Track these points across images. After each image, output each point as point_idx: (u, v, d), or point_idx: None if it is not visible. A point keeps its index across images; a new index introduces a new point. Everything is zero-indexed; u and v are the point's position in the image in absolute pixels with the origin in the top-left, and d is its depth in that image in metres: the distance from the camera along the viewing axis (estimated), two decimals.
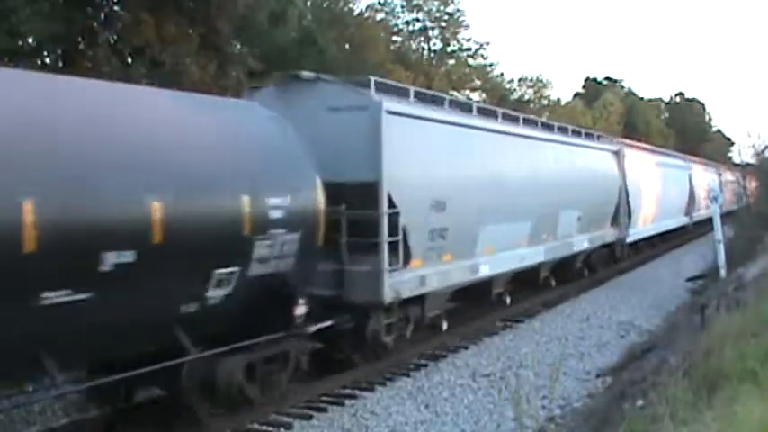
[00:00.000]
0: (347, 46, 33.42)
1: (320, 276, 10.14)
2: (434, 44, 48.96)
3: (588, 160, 20.43)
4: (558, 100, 64.35)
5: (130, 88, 9.42)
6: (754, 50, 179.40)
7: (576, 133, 20.97)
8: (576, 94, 75.44)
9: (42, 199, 6.28)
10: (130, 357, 7.73)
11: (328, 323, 10.15)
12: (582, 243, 19.43)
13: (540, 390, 10.30)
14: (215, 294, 8.21)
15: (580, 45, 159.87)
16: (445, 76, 47.42)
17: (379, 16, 43.91)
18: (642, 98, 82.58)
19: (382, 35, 39.41)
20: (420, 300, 11.98)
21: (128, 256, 6.96)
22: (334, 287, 10.61)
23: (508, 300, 16.03)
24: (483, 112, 15.22)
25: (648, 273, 24.56)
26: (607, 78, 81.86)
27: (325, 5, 34.20)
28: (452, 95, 13.93)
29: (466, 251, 13.11)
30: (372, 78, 11.40)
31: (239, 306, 8.59)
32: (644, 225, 25.89)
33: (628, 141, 27.76)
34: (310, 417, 9.42)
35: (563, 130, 19.81)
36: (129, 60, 19.68)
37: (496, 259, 14.26)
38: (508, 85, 57.41)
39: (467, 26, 49.49)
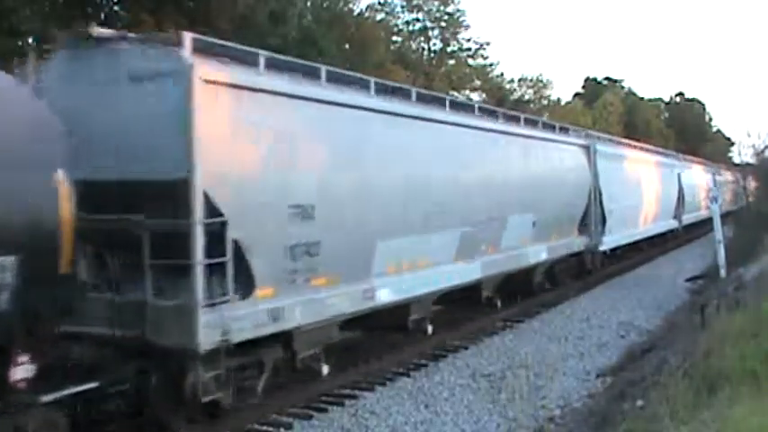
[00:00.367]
0: (347, 46, 33.42)
1: (116, 310, 7.72)
2: (434, 44, 49.00)
3: (550, 156, 17.61)
4: (558, 100, 64.44)
5: None
6: (754, 50, 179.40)
7: (533, 123, 17.99)
8: (576, 94, 75.48)
9: None
10: None
11: (88, 386, 7.15)
12: (539, 253, 16.55)
13: (540, 390, 10.30)
14: None
15: (580, 45, 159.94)
16: (445, 77, 47.43)
17: (379, 16, 43.96)
18: (642, 98, 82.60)
19: (382, 35, 39.42)
20: (285, 339, 9.11)
21: None
22: (132, 326, 7.71)
23: (429, 329, 12.84)
24: (386, 92, 11.69)
25: (648, 273, 24.55)
26: (607, 78, 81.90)
27: (325, 5, 34.17)
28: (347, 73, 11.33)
29: (354, 272, 10.11)
30: (188, 35, 8.17)
31: None
32: (622, 230, 22.78)
33: (602, 135, 25.13)
34: (310, 417, 9.41)
35: (514, 120, 16.67)
36: None
37: (406, 280, 11.32)
38: (508, 86, 57.46)
39: (467, 26, 49.52)
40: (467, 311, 14.90)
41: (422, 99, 12.69)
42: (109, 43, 8.20)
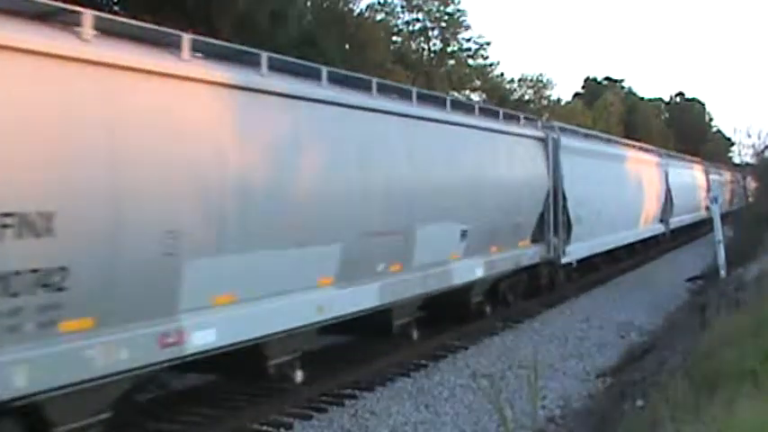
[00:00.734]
0: (347, 46, 33.40)
1: None
2: (434, 44, 48.94)
3: (489, 150, 14.29)
4: (559, 100, 64.40)
5: None
6: (754, 50, 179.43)
7: (465, 109, 14.32)
8: (576, 94, 75.47)
9: None
10: None
11: None
12: (472, 270, 13.38)
13: (540, 390, 10.29)
14: None
15: (580, 45, 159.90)
16: (445, 77, 47.41)
17: (379, 16, 43.87)
18: (642, 98, 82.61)
19: (382, 35, 39.39)
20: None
21: None
22: None
23: (299, 375, 9.51)
24: (201, 50, 8.11)
25: (648, 273, 24.55)
26: (607, 78, 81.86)
27: (325, 5, 34.16)
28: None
29: (142, 307, 6.98)
30: None
31: None
32: (594, 238, 19.85)
33: (567, 126, 20.86)
34: (310, 417, 9.42)
35: (434, 102, 13.08)
36: None
37: (249, 315, 8.24)
38: (508, 86, 57.44)
39: (467, 26, 49.49)
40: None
41: (276, 68, 8.97)
42: None
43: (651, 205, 27.43)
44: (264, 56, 8.62)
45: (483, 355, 12.88)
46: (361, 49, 33.53)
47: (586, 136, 22.54)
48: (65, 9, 6.55)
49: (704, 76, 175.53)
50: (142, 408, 9.17)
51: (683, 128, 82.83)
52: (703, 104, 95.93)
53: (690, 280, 21.02)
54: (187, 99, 7.52)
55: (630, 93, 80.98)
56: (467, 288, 13.46)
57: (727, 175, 47.67)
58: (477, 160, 13.73)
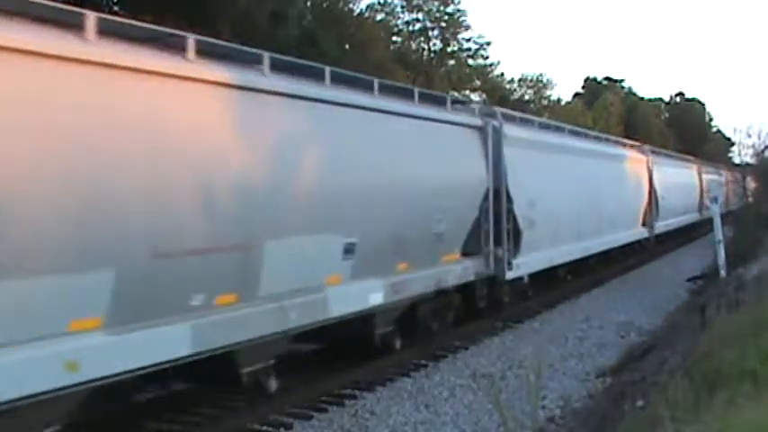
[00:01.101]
0: (347, 46, 33.40)
1: None
2: (434, 44, 48.98)
3: (395, 138, 11.11)
4: (559, 100, 64.44)
5: None
6: (754, 50, 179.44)
7: (364, 86, 10.85)
8: (576, 94, 75.51)
9: None
10: None
11: None
12: (363, 297, 10.34)
13: (540, 390, 10.29)
14: None
15: (580, 45, 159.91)
16: (445, 77, 47.43)
17: (379, 16, 43.92)
18: (642, 98, 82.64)
19: (382, 35, 39.41)
20: None
21: None
22: None
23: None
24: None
25: (648, 273, 24.54)
26: (607, 78, 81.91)
27: (325, 5, 34.17)
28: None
29: None
30: None
31: None
32: (552, 246, 16.90)
33: (514, 113, 17.88)
34: (310, 417, 9.42)
35: (313, 75, 9.80)
36: None
37: None
38: (508, 86, 57.47)
39: (467, 26, 49.55)
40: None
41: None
42: None
43: (631, 207, 24.38)
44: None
45: (483, 355, 12.88)
46: (361, 48, 33.54)
47: (542, 126, 19.22)
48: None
49: (704, 76, 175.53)
50: (142, 408, 9.18)
51: (683, 128, 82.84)
52: (703, 104, 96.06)
53: (690, 280, 21.03)
54: None
55: (630, 93, 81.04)
56: (365, 318, 10.49)
57: (724, 175, 46.24)
58: (375, 152, 10.53)
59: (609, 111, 66.12)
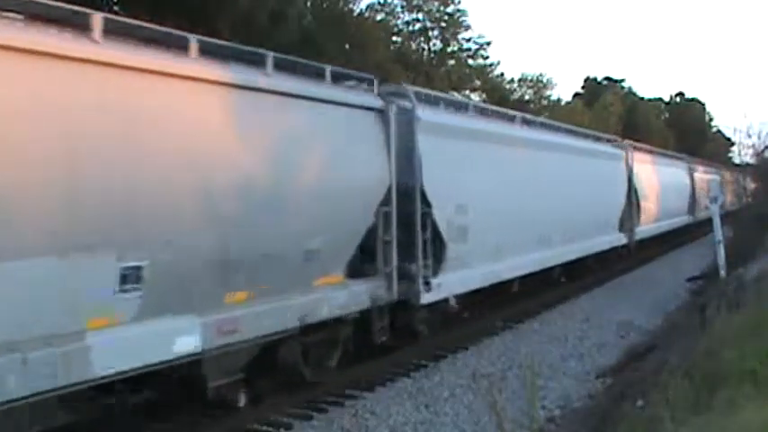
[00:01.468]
0: (347, 46, 33.41)
1: None
2: (434, 44, 48.98)
3: (226, 121, 8.17)
4: (559, 100, 64.41)
5: None
6: (754, 50, 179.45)
7: (172, 45, 7.86)
8: (576, 94, 75.50)
9: None
10: None
11: None
12: (163, 344, 7.46)
13: (540, 390, 10.29)
14: None
15: (580, 45, 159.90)
16: (445, 77, 47.42)
17: (379, 16, 43.90)
18: (642, 98, 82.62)
19: (382, 35, 39.41)
20: None
21: None
22: None
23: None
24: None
25: (648, 273, 24.54)
26: (607, 78, 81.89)
27: (325, 5, 34.18)
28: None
29: None
30: None
31: None
32: (493, 260, 13.92)
33: (436, 94, 14.47)
34: (310, 417, 9.42)
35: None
36: None
37: None
38: (508, 86, 57.45)
39: (467, 26, 49.53)
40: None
41: None
42: None
43: (605, 210, 21.45)
44: None
45: (483, 355, 12.88)
46: (361, 48, 33.55)
47: (482, 111, 15.63)
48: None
49: (704, 76, 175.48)
50: (139, 408, 9.17)
51: (683, 128, 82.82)
52: (703, 104, 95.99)
53: (690, 280, 21.03)
54: None
55: (630, 93, 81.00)
56: (190, 367, 7.85)
57: (721, 175, 44.86)
58: (184, 135, 7.54)
59: (609, 111, 66.11)
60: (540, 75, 60.95)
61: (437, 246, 11.87)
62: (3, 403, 5.90)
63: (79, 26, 6.79)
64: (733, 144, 59.46)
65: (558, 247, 17.47)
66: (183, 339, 7.61)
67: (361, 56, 32.56)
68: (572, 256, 18.57)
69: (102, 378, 6.81)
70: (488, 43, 52.13)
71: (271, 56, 8.89)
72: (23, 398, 6.06)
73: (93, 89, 6.68)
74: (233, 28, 22.06)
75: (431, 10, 47.93)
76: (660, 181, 28.17)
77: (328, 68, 10.09)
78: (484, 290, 13.79)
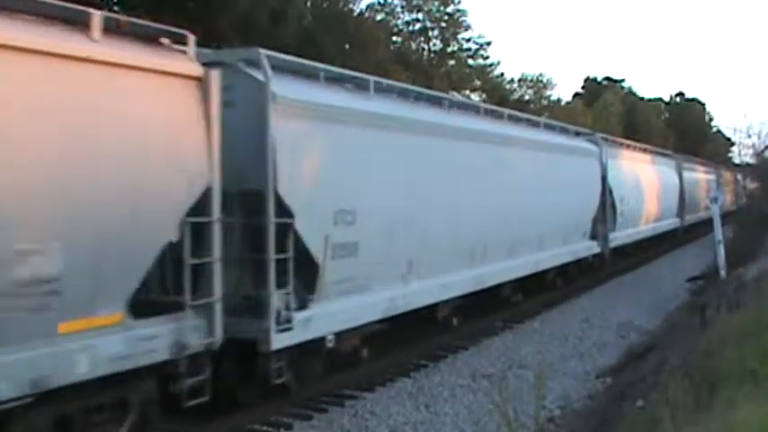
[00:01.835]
0: (347, 46, 33.42)
1: None
2: (434, 44, 49.02)
3: None
4: (559, 100, 64.42)
5: None
6: (755, 50, 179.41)
7: None
8: (576, 94, 75.52)
9: None
10: None
11: None
12: None
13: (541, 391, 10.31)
14: None
15: (580, 45, 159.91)
16: (445, 77, 47.44)
17: (379, 16, 43.95)
18: (642, 98, 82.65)
19: (382, 35, 39.42)
20: None
21: None
22: None
23: None
24: None
25: (648, 273, 24.54)
26: (607, 78, 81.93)
27: (325, 5, 34.19)
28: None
29: None
30: None
31: None
32: (405, 283, 11.15)
33: (308, 65, 10.23)
34: (310, 417, 9.42)
35: None
36: None
37: None
38: (508, 86, 57.48)
39: (467, 26, 49.59)
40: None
41: None
42: None
43: (571, 215, 18.34)
44: None
45: (483, 355, 12.87)
46: (361, 48, 33.55)
47: (382, 89, 11.49)
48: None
49: (704, 76, 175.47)
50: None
51: (683, 128, 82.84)
52: (703, 104, 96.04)
53: (690, 280, 21.04)
54: None
55: (630, 93, 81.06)
56: None
57: (716, 174, 43.13)
58: None
59: (609, 111, 66.12)
60: (540, 75, 61.04)
61: (305, 267, 8.89)
62: None
63: None
64: (733, 144, 59.45)
65: (505, 260, 14.44)
66: None
67: (362, 56, 32.57)
68: (524, 272, 15.49)
69: None
70: (488, 43, 52.28)
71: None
72: None
73: None
74: (233, 28, 22.07)
75: (431, 10, 47.98)
76: (642, 180, 25.51)
77: (98, 14, 6.84)
78: (398, 320, 10.95)
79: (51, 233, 6.20)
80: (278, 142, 8.54)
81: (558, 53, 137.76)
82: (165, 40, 7.77)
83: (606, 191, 20.76)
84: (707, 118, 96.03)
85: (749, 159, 37.14)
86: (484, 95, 50.63)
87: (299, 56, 10.76)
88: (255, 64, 8.73)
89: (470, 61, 51.03)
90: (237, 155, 8.17)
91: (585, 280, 17.46)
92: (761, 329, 7.66)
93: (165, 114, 7.42)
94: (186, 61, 7.74)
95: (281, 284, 8.55)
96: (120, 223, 6.80)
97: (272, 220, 8.43)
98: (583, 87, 79.80)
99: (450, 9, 48.40)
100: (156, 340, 7.18)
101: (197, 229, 7.56)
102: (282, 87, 8.81)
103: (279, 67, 9.12)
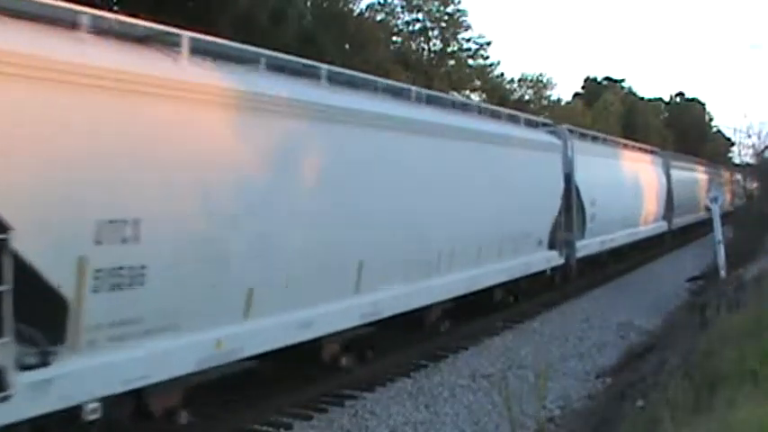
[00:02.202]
0: (347, 46, 33.42)
1: None
2: (434, 44, 49.03)
3: None
4: (559, 100, 64.41)
5: None
6: (755, 50, 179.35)
7: None
8: (576, 94, 75.51)
9: None
10: None
11: None
12: None
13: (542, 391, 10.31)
14: None
15: (580, 45, 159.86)
16: (445, 77, 47.44)
17: (379, 16, 43.96)
18: (642, 98, 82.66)
19: (382, 35, 39.43)
20: None
21: None
22: None
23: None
24: None
25: (648, 273, 24.54)
26: (607, 78, 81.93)
27: (325, 5, 34.19)
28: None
29: None
30: None
31: None
32: (245, 319, 8.12)
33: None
34: (310, 417, 9.41)
35: None
36: None
37: None
38: (508, 86, 57.48)
39: (467, 26, 49.60)
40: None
41: None
42: None
43: (523, 220, 15.15)
44: None
45: (483, 355, 12.87)
46: (361, 48, 33.56)
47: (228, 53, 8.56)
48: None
49: (704, 76, 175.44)
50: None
51: (683, 128, 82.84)
52: (703, 104, 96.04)
53: (690, 280, 21.04)
54: None
55: (630, 93, 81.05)
56: None
57: (710, 174, 40.94)
58: None
59: (609, 111, 66.11)
60: (540, 75, 61.01)
61: (43, 306, 6.18)
62: None
63: None
64: (733, 144, 59.39)
65: (421, 281, 11.36)
66: None
67: (362, 56, 32.57)
68: (450, 294, 12.38)
69: None
70: (488, 43, 52.27)
71: None
72: None
73: None
74: (233, 28, 22.06)
75: (431, 10, 47.98)
76: (621, 180, 22.57)
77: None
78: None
79: None
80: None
81: (558, 53, 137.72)
82: None
83: (572, 191, 17.90)
84: (707, 118, 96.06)
85: (749, 159, 37.13)
86: (484, 95, 50.63)
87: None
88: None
89: (470, 61, 51.03)
90: None
91: (552, 295, 16.03)
92: (761, 329, 7.66)
93: None
94: None
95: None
96: None
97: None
98: (583, 87, 79.80)
99: (450, 9, 48.41)
100: None
101: None
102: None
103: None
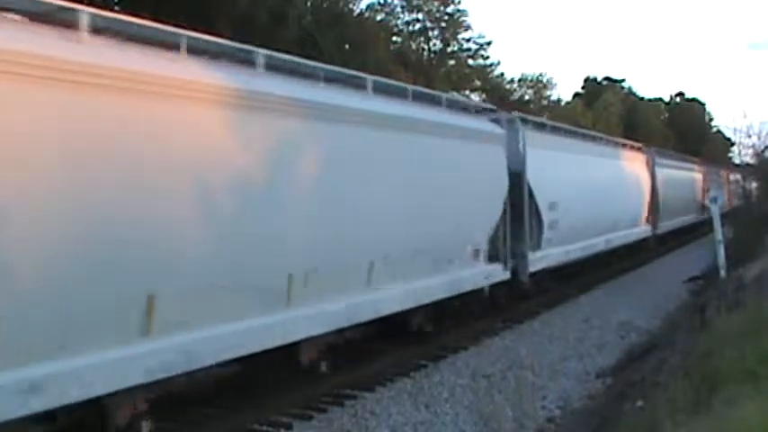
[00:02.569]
0: (347, 46, 33.41)
1: None
2: (434, 44, 49.04)
3: None
4: (559, 100, 64.44)
5: None
6: (755, 50, 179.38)
7: None
8: (576, 94, 75.52)
9: None
10: None
11: None
12: None
13: (540, 390, 10.31)
14: None
15: (580, 45, 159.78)
16: (445, 77, 47.44)
17: (379, 17, 43.96)
18: (642, 98, 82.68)
19: (382, 35, 39.43)
20: None
21: None
22: None
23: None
24: None
25: (648, 273, 24.53)
26: (607, 78, 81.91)
27: (325, 5, 34.19)
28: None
29: None
30: None
31: None
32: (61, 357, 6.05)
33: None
34: (310, 417, 9.41)
35: None
36: None
37: None
38: (508, 86, 57.49)
39: (467, 26, 49.61)
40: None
41: None
42: None
43: (443, 230, 11.94)
44: None
45: (483, 355, 12.87)
46: (361, 48, 33.54)
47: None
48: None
49: (704, 76, 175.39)
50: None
51: (683, 128, 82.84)
52: (703, 104, 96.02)
53: (689, 280, 21.03)
54: None
55: (630, 93, 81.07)
56: None
57: (703, 172, 38.71)
58: None
59: (609, 111, 66.12)
60: (540, 75, 61.03)
61: None
62: None
63: None
64: (733, 144, 59.32)
65: (284, 311, 8.59)
66: None
67: (362, 56, 32.56)
68: (337, 324, 9.74)
69: None
70: (488, 43, 52.23)
71: None
72: None
73: None
74: (233, 28, 22.08)
75: (431, 10, 47.99)
76: (590, 179, 19.21)
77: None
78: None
79: None
80: None
81: (558, 53, 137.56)
82: None
83: (523, 193, 14.93)
84: (707, 118, 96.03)
85: (749, 159, 37.06)
86: (484, 95, 50.65)
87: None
88: None
89: (470, 61, 51.05)
90: None
91: (490, 320, 13.63)
92: (761, 329, 7.66)
93: None
94: None
95: None
96: None
97: None
98: (583, 87, 79.79)
99: (450, 9, 48.44)
100: None
101: None
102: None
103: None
